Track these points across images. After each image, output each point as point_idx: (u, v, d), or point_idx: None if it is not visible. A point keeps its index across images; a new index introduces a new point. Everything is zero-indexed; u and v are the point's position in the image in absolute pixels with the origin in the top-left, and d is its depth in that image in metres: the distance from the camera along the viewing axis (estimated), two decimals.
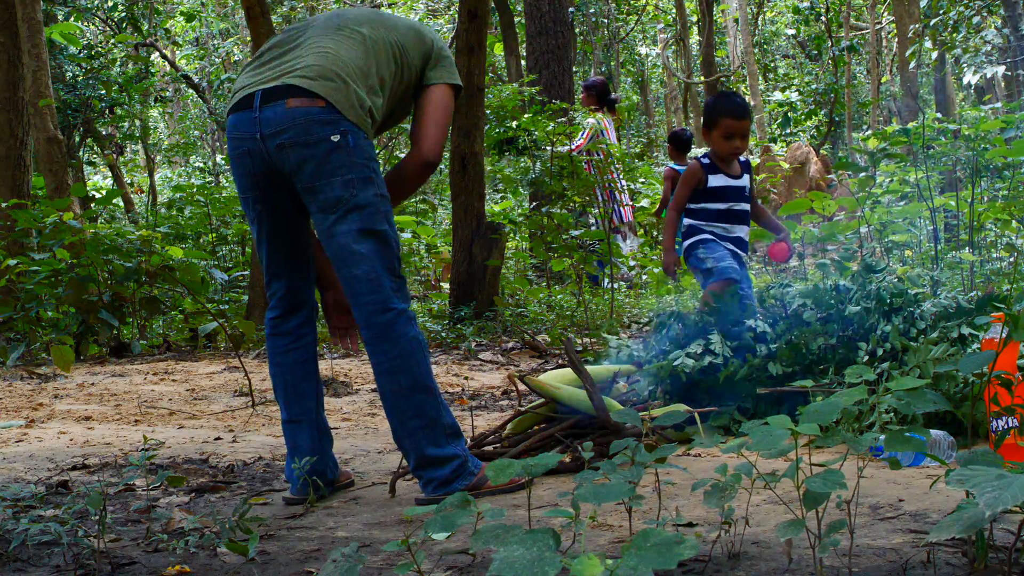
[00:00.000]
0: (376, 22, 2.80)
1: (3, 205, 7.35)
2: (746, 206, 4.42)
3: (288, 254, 2.78)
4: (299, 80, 2.59)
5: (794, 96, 19.78)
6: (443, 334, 6.77)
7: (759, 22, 23.24)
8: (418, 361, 2.64)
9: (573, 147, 8.55)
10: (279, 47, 2.75)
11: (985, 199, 7.06)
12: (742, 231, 4.42)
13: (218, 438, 3.84)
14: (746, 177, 4.46)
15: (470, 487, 2.64)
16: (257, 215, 2.73)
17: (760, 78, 21.26)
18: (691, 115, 22.29)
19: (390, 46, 2.76)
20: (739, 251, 4.40)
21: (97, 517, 2.25)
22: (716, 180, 4.37)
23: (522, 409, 3.28)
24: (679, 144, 9.04)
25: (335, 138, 2.57)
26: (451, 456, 2.65)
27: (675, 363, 3.47)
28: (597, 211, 8.43)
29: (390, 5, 18.89)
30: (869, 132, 10.90)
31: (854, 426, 3.01)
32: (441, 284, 9.81)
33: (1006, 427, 2.62)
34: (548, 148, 8.31)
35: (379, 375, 2.65)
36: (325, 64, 2.62)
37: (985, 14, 11.77)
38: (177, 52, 18.58)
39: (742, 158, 4.43)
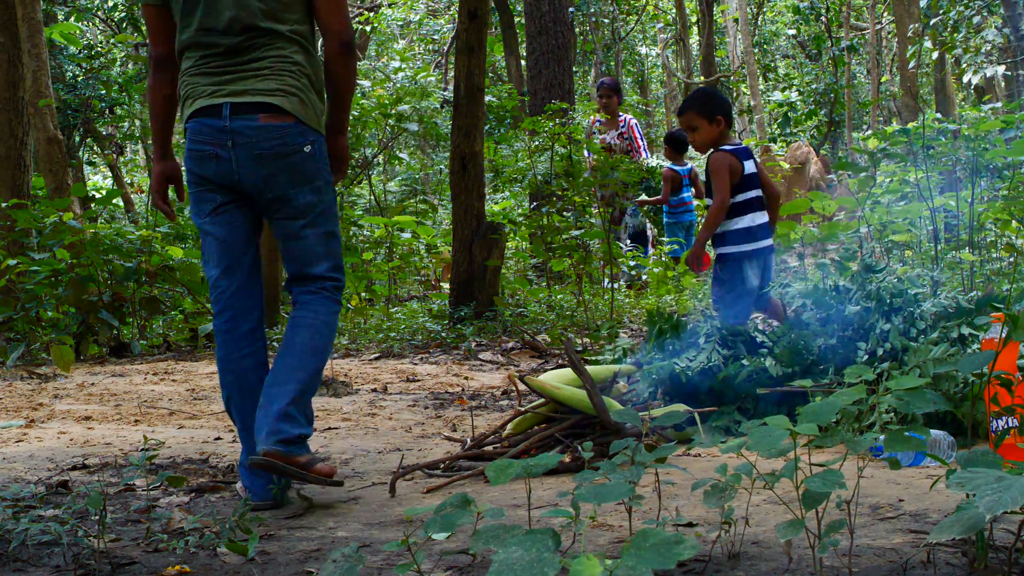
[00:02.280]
0: None
1: (3, 205, 7.35)
2: (708, 200, 4.47)
3: (239, 252, 2.85)
4: (269, 99, 2.73)
5: (794, 96, 19.76)
6: (443, 334, 6.77)
7: (759, 22, 23.24)
8: (329, 346, 2.83)
9: (644, 151, 8.76)
10: (232, 53, 2.76)
11: (985, 199, 7.05)
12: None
13: (218, 438, 3.84)
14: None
15: (298, 462, 2.62)
16: (214, 207, 2.81)
17: (760, 78, 21.27)
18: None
19: None
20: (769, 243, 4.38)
21: (97, 517, 2.25)
22: (750, 166, 4.36)
23: (522, 409, 3.28)
24: (676, 145, 9.04)
25: (307, 148, 2.77)
26: (304, 429, 2.70)
27: (675, 364, 3.47)
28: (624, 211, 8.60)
29: (390, 5, 18.89)
30: (869, 132, 10.90)
31: (854, 426, 3.01)
32: (441, 284, 9.81)
33: (1006, 427, 2.62)
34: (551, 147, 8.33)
35: (302, 327, 2.78)
36: (287, 81, 2.76)
37: (985, 14, 11.77)
38: None
39: (711, 151, 4.46)
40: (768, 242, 4.34)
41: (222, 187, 2.80)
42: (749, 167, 4.33)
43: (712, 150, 4.37)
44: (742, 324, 4.05)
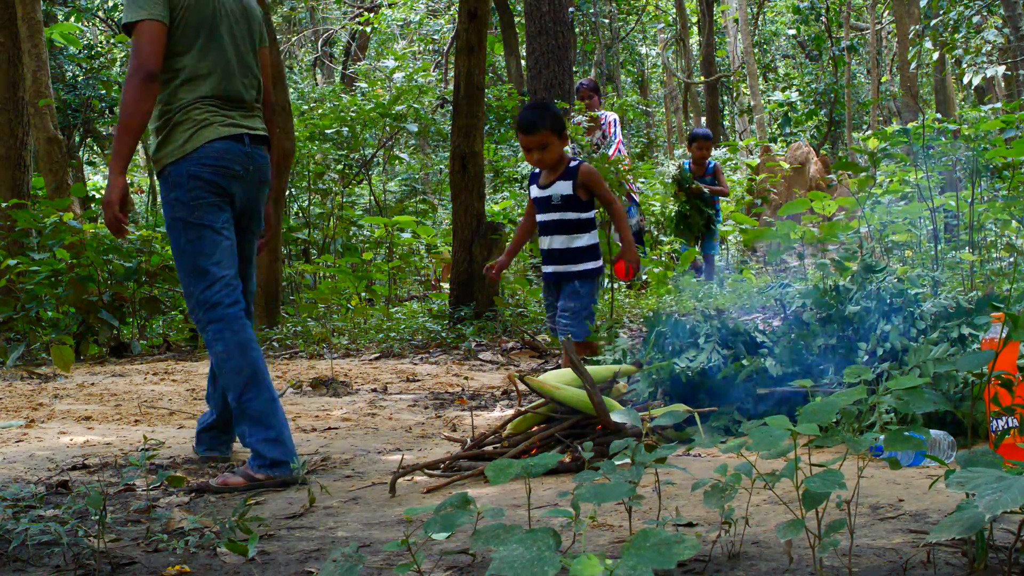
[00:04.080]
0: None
1: (3, 205, 7.36)
2: (555, 215, 4.28)
3: (236, 258, 3.25)
4: (266, 134, 3.33)
5: (794, 96, 19.77)
6: (443, 334, 6.77)
7: (759, 22, 23.24)
8: None
9: (616, 145, 8.62)
10: (242, 64, 3.27)
11: (985, 199, 7.05)
12: (553, 241, 4.30)
13: None
14: (560, 185, 4.26)
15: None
16: (225, 222, 3.18)
17: (760, 78, 21.27)
18: (691, 115, 22.30)
19: None
20: (550, 267, 4.32)
21: (97, 517, 2.25)
22: (532, 192, 4.35)
23: (522, 409, 3.28)
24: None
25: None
26: None
27: (675, 364, 3.47)
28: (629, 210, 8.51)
29: (390, 5, 18.89)
30: (869, 132, 10.89)
31: (854, 426, 3.01)
32: (441, 284, 9.81)
33: (1006, 427, 2.62)
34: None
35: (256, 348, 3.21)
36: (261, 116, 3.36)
37: (985, 14, 11.77)
38: None
39: (573, 163, 4.27)
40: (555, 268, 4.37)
41: (231, 205, 3.21)
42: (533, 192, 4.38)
43: (576, 162, 4.28)
44: (582, 339, 4.11)
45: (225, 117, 3.17)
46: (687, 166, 8.27)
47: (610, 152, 8.61)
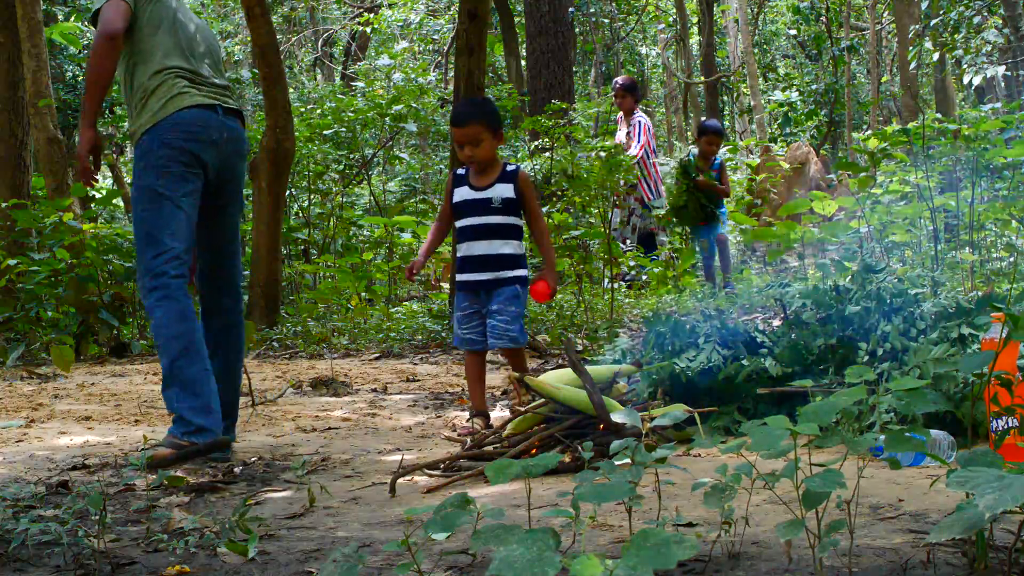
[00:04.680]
0: None
1: (3, 205, 7.35)
2: (492, 219, 3.84)
3: (194, 237, 3.38)
4: (239, 108, 3.53)
5: (794, 96, 19.76)
6: (443, 334, 6.77)
7: (759, 22, 23.24)
8: None
9: (640, 146, 8.56)
10: (208, 55, 3.51)
11: (985, 199, 7.05)
12: (487, 246, 3.84)
13: None
14: (501, 187, 3.85)
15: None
16: (189, 193, 3.30)
17: (760, 78, 21.26)
18: (691, 115, 22.29)
19: None
20: (480, 275, 3.85)
21: (97, 517, 2.25)
22: (460, 194, 3.89)
23: (522, 409, 3.28)
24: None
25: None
26: None
27: (675, 364, 3.47)
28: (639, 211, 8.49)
29: (390, 5, 18.89)
30: (869, 132, 10.88)
31: (854, 426, 3.01)
32: (441, 284, 9.81)
33: (1006, 427, 2.62)
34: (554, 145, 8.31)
35: (237, 349, 3.49)
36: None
37: (985, 14, 11.76)
38: None
39: (510, 166, 3.89)
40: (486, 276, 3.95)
41: (203, 173, 3.33)
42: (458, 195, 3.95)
43: (514, 166, 3.92)
44: (525, 344, 3.88)
45: (198, 89, 3.36)
46: (692, 157, 7.99)
47: (633, 152, 8.57)
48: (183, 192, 3.27)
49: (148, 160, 3.27)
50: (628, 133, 9.08)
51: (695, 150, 7.88)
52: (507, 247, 3.84)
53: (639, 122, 9.09)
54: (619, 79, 9.37)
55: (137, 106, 3.33)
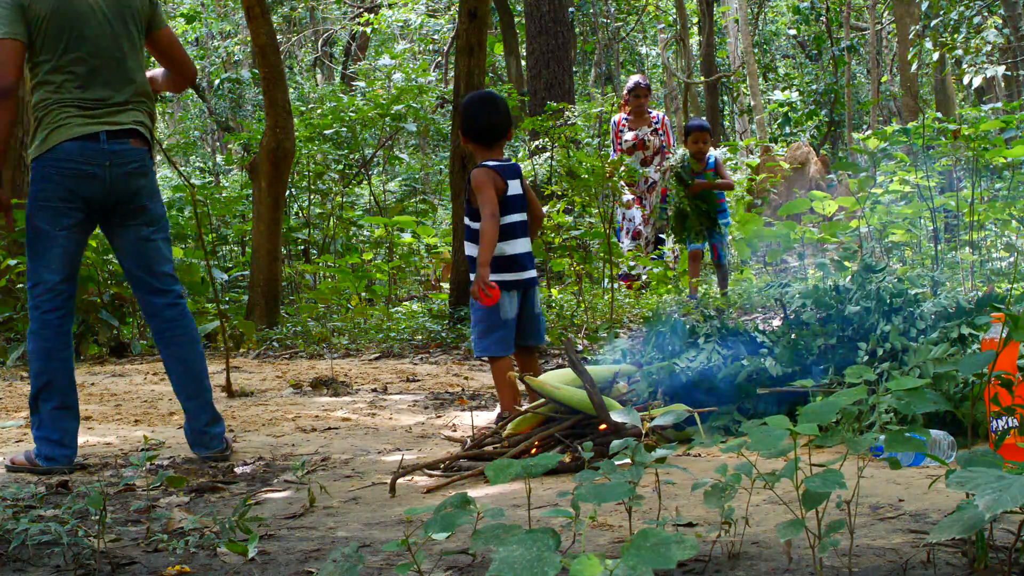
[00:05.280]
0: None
1: None
2: (467, 221, 3.80)
3: (78, 263, 3.41)
4: (137, 127, 3.34)
5: (794, 96, 19.75)
6: (443, 334, 6.76)
7: (759, 22, 23.24)
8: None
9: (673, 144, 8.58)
10: (107, 67, 3.30)
11: (985, 199, 7.05)
12: (526, 244, 3.81)
13: None
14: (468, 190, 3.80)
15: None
16: (67, 227, 3.29)
17: (760, 78, 21.26)
18: (691, 115, 22.28)
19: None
20: (529, 272, 3.80)
21: (97, 517, 2.25)
22: (515, 187, 3.77)
23: (522, 409, 3.28)
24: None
25: (154, 167, 3.45)
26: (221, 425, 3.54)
27: (675, 364, 3.47)
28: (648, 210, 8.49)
29: (390, 6, 18.89)
30: (869, 132, 10.88)
31: (854, 426, 3.01)
32: (441, 284, 9.80)
33: (1006, 427, 2.62)
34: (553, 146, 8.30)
35: (181, 345, 3.41)
36: (145, 108, 3.39)
37: (985, 14, 11.76)
38: None
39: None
40: (532, 273, 3.83)
41: (86, 206, 3.28)
42: (514, 187, 3.75)
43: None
44: (501, 355, 3.70)
45: (84, 118, 3.28)
46: (687, 162, 7.85)
47: (677, 151, 8.50)
48: (60, 226, 3.30)
49: (32, 191, 3.32)
50: (655, 130, 9.01)
51: (686, 152, 7.76)
52: (473, 250, 3.70)
53: (667, 120, 9.11)
54: (640, 79, 9.26)
55: (32, 131, 3.35)
